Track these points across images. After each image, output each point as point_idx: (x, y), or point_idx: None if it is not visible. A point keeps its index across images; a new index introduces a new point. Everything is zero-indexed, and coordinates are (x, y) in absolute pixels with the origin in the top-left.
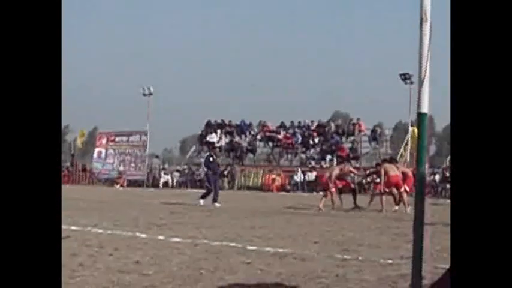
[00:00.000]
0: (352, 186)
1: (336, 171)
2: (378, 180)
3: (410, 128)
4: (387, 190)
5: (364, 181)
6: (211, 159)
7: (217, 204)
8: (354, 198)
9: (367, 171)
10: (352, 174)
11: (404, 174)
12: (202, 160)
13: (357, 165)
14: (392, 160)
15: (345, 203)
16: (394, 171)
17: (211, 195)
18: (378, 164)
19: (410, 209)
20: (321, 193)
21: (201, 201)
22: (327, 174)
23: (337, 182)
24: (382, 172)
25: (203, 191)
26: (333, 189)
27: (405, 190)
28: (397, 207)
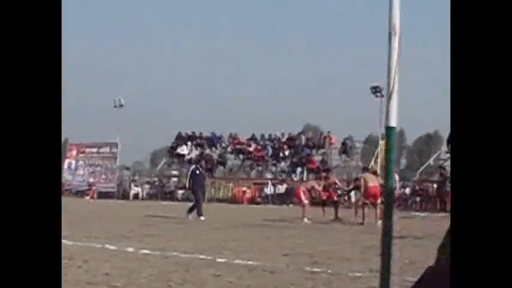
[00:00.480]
0: (335, 198)
1: (312, 183)
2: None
3: (381, 142)
4: (366, 201)
5: (346, 193)
6: (197, 171)
7: (202, 218)
8: (336, 211)
9: (351, 183)
10: (336, 186)
11: (382, 186)
12: (189, 173)
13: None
14: (372, 171)
15: (326, 214)
16: (373, 182)
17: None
18: (356, 179)
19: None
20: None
21: (190, 216)
22: (302, 188)
23: (322, 193)
24: (362, 182)
25: (173, 203)
26: (306, 201)
27: (382, 202)
28: (380, 222)
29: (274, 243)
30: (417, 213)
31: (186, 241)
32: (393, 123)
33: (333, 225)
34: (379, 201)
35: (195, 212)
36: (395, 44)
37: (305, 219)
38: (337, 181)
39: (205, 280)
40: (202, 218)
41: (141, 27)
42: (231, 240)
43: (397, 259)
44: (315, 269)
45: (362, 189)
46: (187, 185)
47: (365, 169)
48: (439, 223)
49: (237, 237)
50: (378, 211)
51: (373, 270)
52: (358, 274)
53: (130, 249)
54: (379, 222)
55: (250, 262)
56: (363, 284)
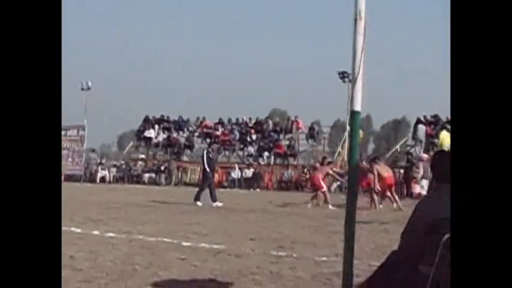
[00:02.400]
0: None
1: (328, 170)
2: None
3: (348, 127)
4: (379, 189)
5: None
6: (210, 155)
7: (219, 204)
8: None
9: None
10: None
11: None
12: (204, 158)
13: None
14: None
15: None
16: (387, 172)
17: (203, 194)
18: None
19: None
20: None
21: (199, 203)
22: (320, 175)
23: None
24: (375, 172)
25: (140, 186)
26: (325, 189)
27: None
28: (381, 206)
29: (240, 228)
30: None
31: (152, 224)
32: (358, 107)
33: (299, 210)
34: (393, 188)
35: (203, 197)
36: (361, 29)
37: (330, 206)
38: (335, 169)
39: (170, 263)
40: (219, 203)
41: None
42: (196, 224)
43: (363, 244)
44: (281, 253)
45: (376, 179)
46: (207, 169)
47: (373, 160)
48: (404, 209)
49: (203, 221)
50: (396, 197)
51: (338, 254)
52: (323, 258)
53: (96, 233)
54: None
55: (215, 246)
56: (328, 268)
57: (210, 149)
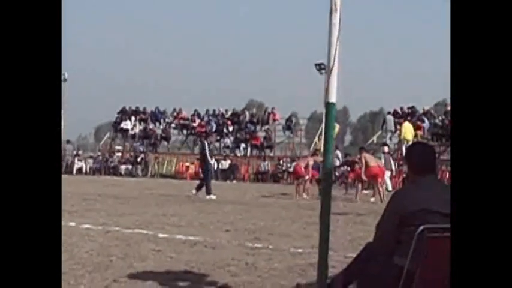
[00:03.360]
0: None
1: (311, 161)
2: (349, 169)
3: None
4: (364, 179)
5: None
6: (210, 147)
7: (213, 196)
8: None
9: (344, 160)
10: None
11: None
12: (206, 149)
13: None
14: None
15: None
16: (373, 162)
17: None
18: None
19: (372, 200)
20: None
21: (212, 196)
22: (302, 164)
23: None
24: (363, 161)
25: (117, 177)
26: (307, 177)
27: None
28: (372, 199)
29: (216, 219)
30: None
31: (128, 216)
32: (333, 99)
33: (271, 202)
34: (379, 180)
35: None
36: (336, 20)
37: (304, 195)
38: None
39: (146, 255)
40: (213, 196)
41: (83, 1)
42: (172, 215)
43: (338, 236)
44: (256, 245)
45: (363, 168)
46: (210, 161)
47: (362, 148)
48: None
49: (178, 212)
50: (381, 189)
51: (314, 246)
52: (299, 250)
53: (72, 224)
54: (379, 198)
55: (191, 237)
56: (303, 259)
57: (209, 141)
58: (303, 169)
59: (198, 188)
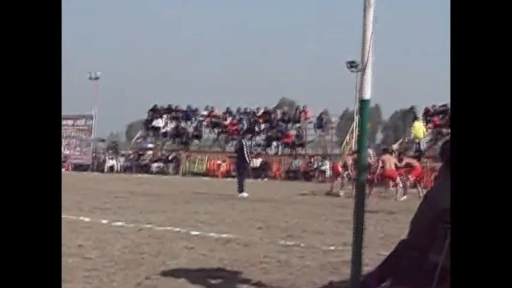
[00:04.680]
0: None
1: (349, 160)
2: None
3: (356, 117)
4: (379, 180)
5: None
6: (247, 146)
7: (245, 194)
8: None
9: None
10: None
11: (409, 165)
12: (244, 148)
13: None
14: (391, 151)
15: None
16: (391, 165)
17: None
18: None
19: (403, 198)
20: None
21: (245, 194)
22: (340, 162)
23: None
24: (380, 164)
25: (148, 175)
26: (345, 175)
27: (409, 179)
28: (405, 197)
29: (248, 216)
30: (391, 189)
31: (160, 214)
32: (367, 96)
33: (306, 199)
34: (397, 181)
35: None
36: (370, 16)
37: (341, 193)
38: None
39: (178, 252)
40: (245, 194)
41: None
42: (204, 213)
43: (371, 233)
44: (288, 243)
45: (378, 171)
46: (247, 159)
47: (385, 150)
48: (412, 198)
49: (211, 210)
50: (400, 189)
51: (346, 244)
52: (331, 248)
53: (104, 221)
54: (403, 197)
55: (223, 235)
56: (336, 257)
57: (246, 140)
58: (340, 167)
59: (241, 188)
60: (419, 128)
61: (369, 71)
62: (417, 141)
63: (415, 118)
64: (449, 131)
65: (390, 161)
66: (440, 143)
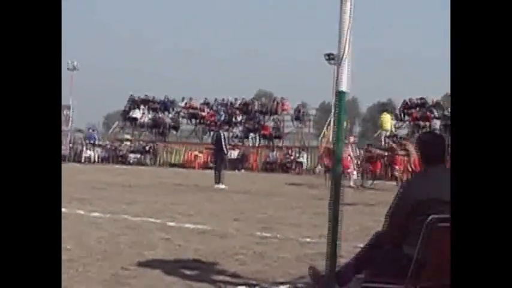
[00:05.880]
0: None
1: (351, 152)
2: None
3: (334, 109)
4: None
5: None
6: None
7: (222, 186)
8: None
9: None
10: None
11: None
12: (222, 139)
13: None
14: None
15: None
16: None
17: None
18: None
19: None
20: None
21: (222, 186)
22: (345, 155)
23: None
24: (411, 151)
25: (126, 166)
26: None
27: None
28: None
29: (225, 208)
30: (369, 181)
31: (137, 204)
32: (344, 87)
33: (284, 191)
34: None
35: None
36: (347, 8)
37: (352, 184)
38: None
39: (155, 243)
40: (222, 186)
41: None
42: (182, 204)
43: (347, 225)
44: (265, 234)
45: (411, 159)
46: (225, 151)
47: (403, 139)
48: (389, 191)
49: (188, 201)
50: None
51: (323, 236)
52: (308, 240)
53: (81, 212)
54: None
55: (200, 226)
56: (312, 249)
57: (223, 132)
58: (348, 161)
59: (217, 179)
60: (387, 120)
61: (345, 62)
62: (384, 133)
63: (384, 110)
64: (426, 123)
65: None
66: (416, 136)
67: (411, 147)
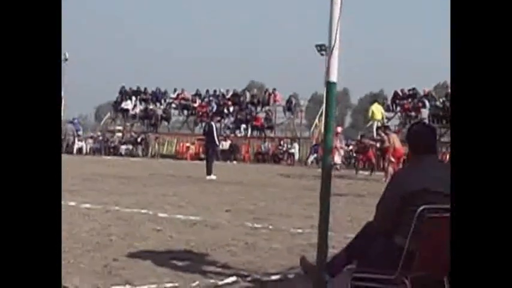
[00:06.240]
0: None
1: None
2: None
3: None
4: (392, 160)
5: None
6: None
7: (213, 177)
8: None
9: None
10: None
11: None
12: (214, 130)
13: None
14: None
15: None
16: (399, 143)
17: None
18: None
19: None
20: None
21: (213, 177)
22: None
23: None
24: (391, 142)
25: (117, 158)
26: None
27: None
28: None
29: (216, 199)
30: (360, 172)
31: (128, 196)
32: (334, 78)
33: (275, 182)
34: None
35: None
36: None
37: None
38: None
39: (146, 234)
40: (213, 177)
41: None
42: (173, 195)
43: (338, 216)
44: (256, 225)
45: (390, 149)
46: (217, 142)
47: (387, 128)
48: (379, 181)
49: (179, 192)
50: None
51: (314, 226)
52: (299, 230)
53: (72, 203)
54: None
55: (191, 217)
56: (303, 240)
57: (214, 123)
58: (372, 154)
59: (209, 170)
60: (378, 110)
61: (335, 53)
62: (376, 123)
63: (375, 101)
64: (418, 115)
65: (397, 140)
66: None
67: (391, 138)
